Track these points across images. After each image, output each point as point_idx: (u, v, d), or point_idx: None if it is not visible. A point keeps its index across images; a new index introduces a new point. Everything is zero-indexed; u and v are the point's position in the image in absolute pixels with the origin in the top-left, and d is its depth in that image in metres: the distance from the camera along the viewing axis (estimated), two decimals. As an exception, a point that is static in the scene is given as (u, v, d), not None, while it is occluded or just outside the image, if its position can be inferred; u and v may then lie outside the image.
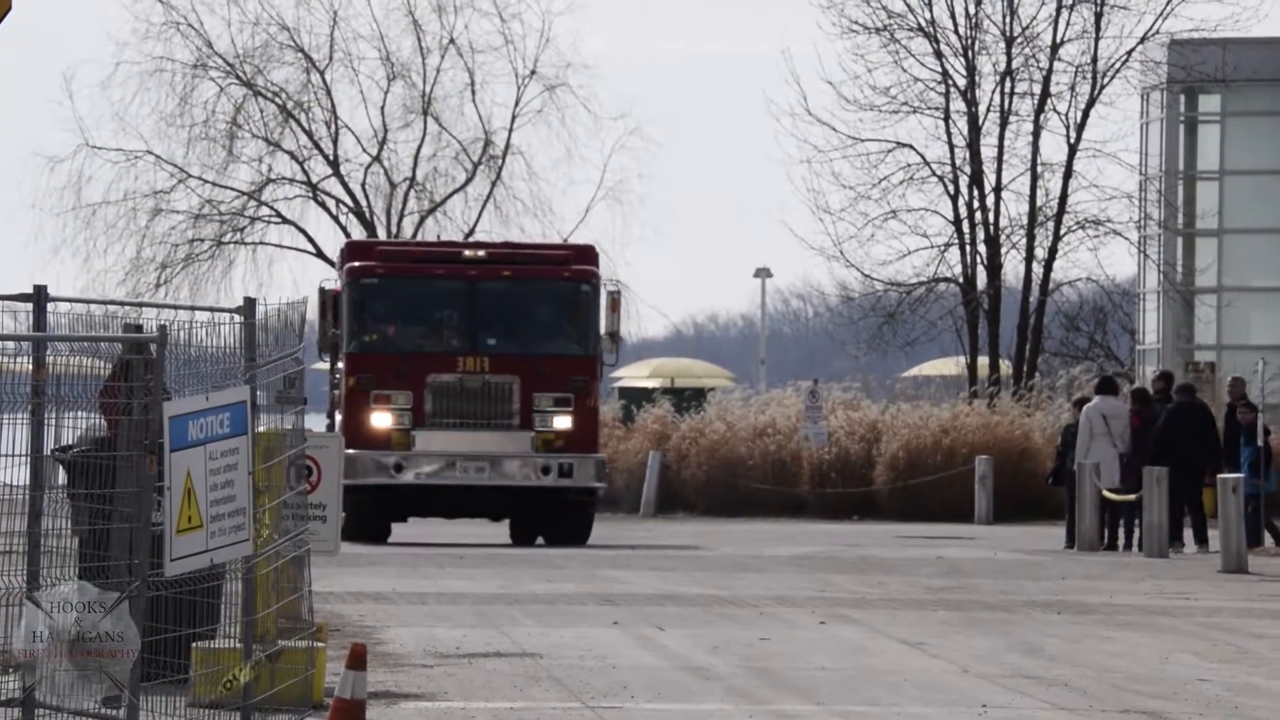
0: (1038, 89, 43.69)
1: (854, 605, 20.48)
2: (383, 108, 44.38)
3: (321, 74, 44.12)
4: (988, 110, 43.40)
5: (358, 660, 10.60)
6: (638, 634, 17.89)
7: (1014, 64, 43.59)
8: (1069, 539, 28.83)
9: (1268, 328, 44.43)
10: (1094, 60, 43.52)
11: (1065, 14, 41.21)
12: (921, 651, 17.01)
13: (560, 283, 29.23)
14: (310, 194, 43.32)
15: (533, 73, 45.35)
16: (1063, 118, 43.50)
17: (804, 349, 57.77)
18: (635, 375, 51.53)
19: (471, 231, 45.07)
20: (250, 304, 11.72)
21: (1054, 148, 44.21)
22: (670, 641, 17.70)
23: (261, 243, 43.91)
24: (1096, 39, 43.40)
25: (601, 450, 30.23)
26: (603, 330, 29.40)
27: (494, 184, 44.04)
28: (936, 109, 43.14)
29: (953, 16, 40.67)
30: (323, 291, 30.29)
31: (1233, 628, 19.17)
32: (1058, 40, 43.59)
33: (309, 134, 43.45)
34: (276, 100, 43.71)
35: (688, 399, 42.74)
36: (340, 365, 29.51)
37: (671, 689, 14.87)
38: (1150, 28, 42.74)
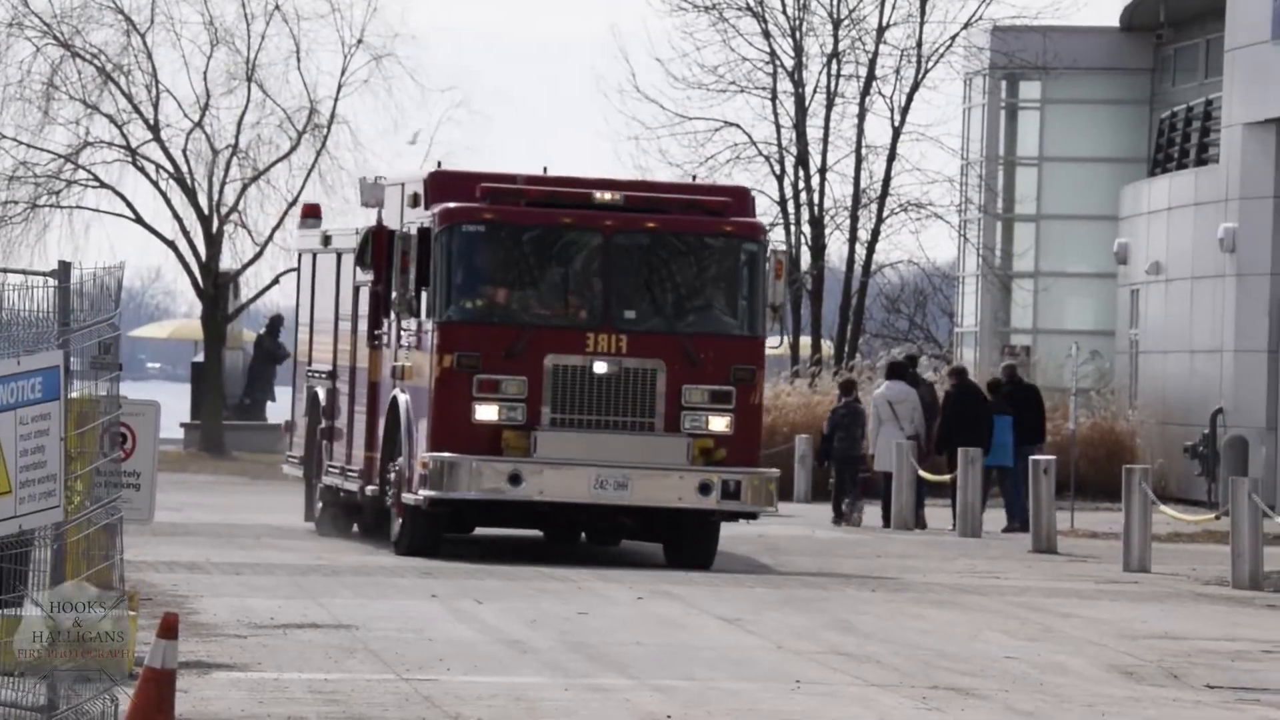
0: (864, 72, 43.68)
1: (673, 582, 20.61)
2: (205, 73, 43.22)
3: (142, 36, 42.92)
4: (814, 92, 43.48)
5: (169, 629, 10.55)
6: (455, 607, 17.82)
7: (840, 46, 43.64)
8: (838, 515, 28.83)
9: (1082, 313, 44.96)
10: (919, 45, 43.71)
11: None
12: (738, 628, 17.08)
13: (720, 238, 21.80)
14: (129, 158, 41.95)
15: (359, 42, 44.99)
16: (888, 101, 43.74)
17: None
18: None
19: (295, 201, 43.31)
20: (65, 268, 11.35)
21: (879, 131, 44.45)
22: (488, 615, 17.68)
23: (78, 207, 43.76)
24: (921, 24, 43.62)
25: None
26: (769, 301, 22.11)
27: (319, 153, 43.08)
28: (764, 89, 43.24)
29: None
30: (392, 234, 22.30)
31: (1040, 606, 19.30)
32: (884, 24, 43.66)
33: (129, 97, 42.36)
34: (95, 62, 42.51)
35: None
36: (415, 333, 21.99)
37: (488, 661, 14.91)
38: (974, 14, 43.01)
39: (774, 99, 43.38)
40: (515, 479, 21.18)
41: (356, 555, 22.60)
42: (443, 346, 21.53)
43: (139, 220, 42.39)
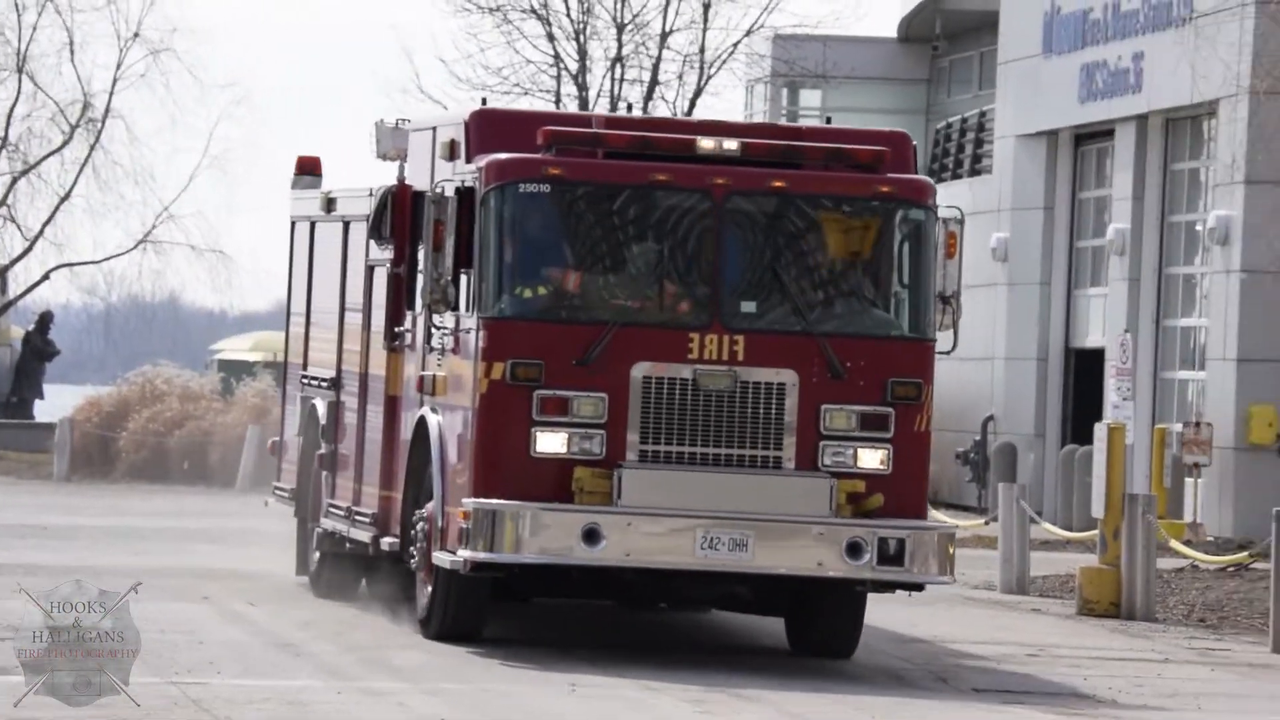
0: (647, 76, 43.93)
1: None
2: (-29, 64, 44.88)
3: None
4: (598, 95, 43.46)
5: None
6: (228, 609, 16.99)
7: (624, 51, 43.06)
8: None
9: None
10: (702, 51, 43.29)
11: (675, 4, 41.39)
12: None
13: (875, 202, 15.30)
14: None
15: (136, 35, 41.48)
16: (671, 106, 44.00)
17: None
18: (237, 348, 48.37)
19: (67, 195, 41.33)
20: None
21: (662, 135, 45.11)
22: (261, 618, 16.66)
23: None
24: (704, 30, 43.64)
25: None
26: (938, 288, 15.37)
27: (93, 148, 41.85)
28: (548, 91, 42.70)
29: (565, 1, 40.29)
30: (419, 196, 15.78)
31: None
32: (667, 29, 43.10)
33: None
34: None
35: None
36: (453, 331, 15.41)
37: (260, 665, 14.21)
38: (755, 21, 42.57)
39: (557, 102, 42.89)
40: (592, 535, 14.78)
41: (125, 556, 20.36)
42: (491, 352, 15.04)
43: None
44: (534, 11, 40.77)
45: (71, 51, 43.64)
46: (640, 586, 15.59)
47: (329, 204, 18.78)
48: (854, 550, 15.02)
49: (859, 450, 15.27)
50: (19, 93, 43.12)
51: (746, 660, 15.32)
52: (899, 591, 15.15)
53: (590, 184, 15.22)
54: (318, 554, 18.29)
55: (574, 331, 15.13)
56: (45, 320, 44.34)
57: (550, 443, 15.05)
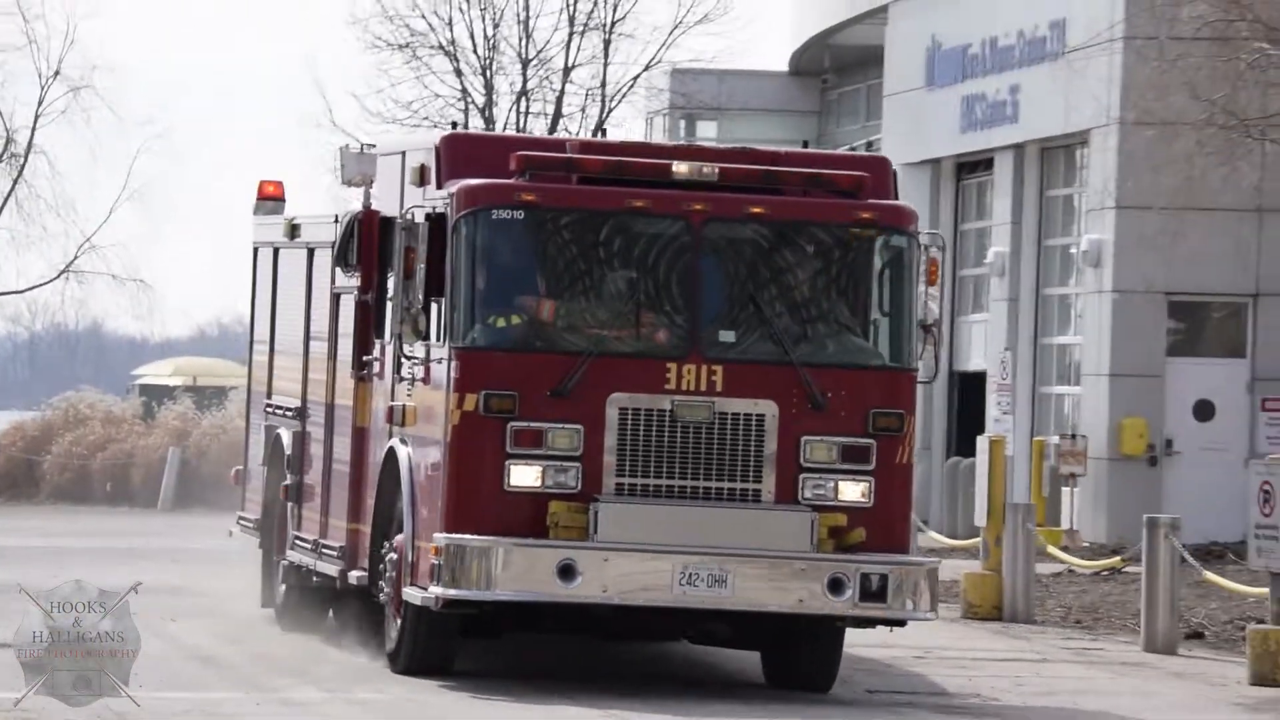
0: (551, 109, 45.30)
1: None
2: (-104, 100, 45.40)
3: None
4: (504, 127, 45.09)
5: None
6: (149, 624, 15.31)
7: (529, 85, 44.55)
8: None
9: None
10: (603, 85, 44.39)
11: (576, 40, 40.80)
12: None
13: (855, 228, 14.88)
14: None
15: (57, 73, 41.96)
16: (574, 136, 45.88)
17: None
18: (158, 373, 49.23)
19: None
20: None
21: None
22: (182, 632, 16.70)
23: None
24: (605, 65, 45.15)
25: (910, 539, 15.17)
26: (918, 317, 14.91)
27: (15, 181, 42.70)
28: (456, 124, 45.15)
29: (472, 38, 41.14)
30: (387, 223, 15.17)
31: None
32: (570, 64, 44.65)
33: None
34: None
35: (209, 396, 41.90)
36: (424, 361, 14.90)
37: (181, 678, 14.15)
38: (653, 57, 43.52)
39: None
40: (568, 572, 14.33)
41: (47, 570, 19.71)
42: (463, 382, 14.54)
43: None
44: (442, 48, 42.16)
45: (-8, 89, 44.71)
46: (616, 622, 14.85)
47: (293, 230, 18.13)
48: (835, 586, 14.39)
49: (840, 483, 14.68)
50: (-58, 129, 44.16)
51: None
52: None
53: (565, 210, 14.58)
54: (284, 587, 17.49)
55: (548, 361, 14.50)
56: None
57: (524, 476, 14.43)
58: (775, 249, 14.68)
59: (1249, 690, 15.96)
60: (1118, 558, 21.90)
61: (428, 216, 14.58)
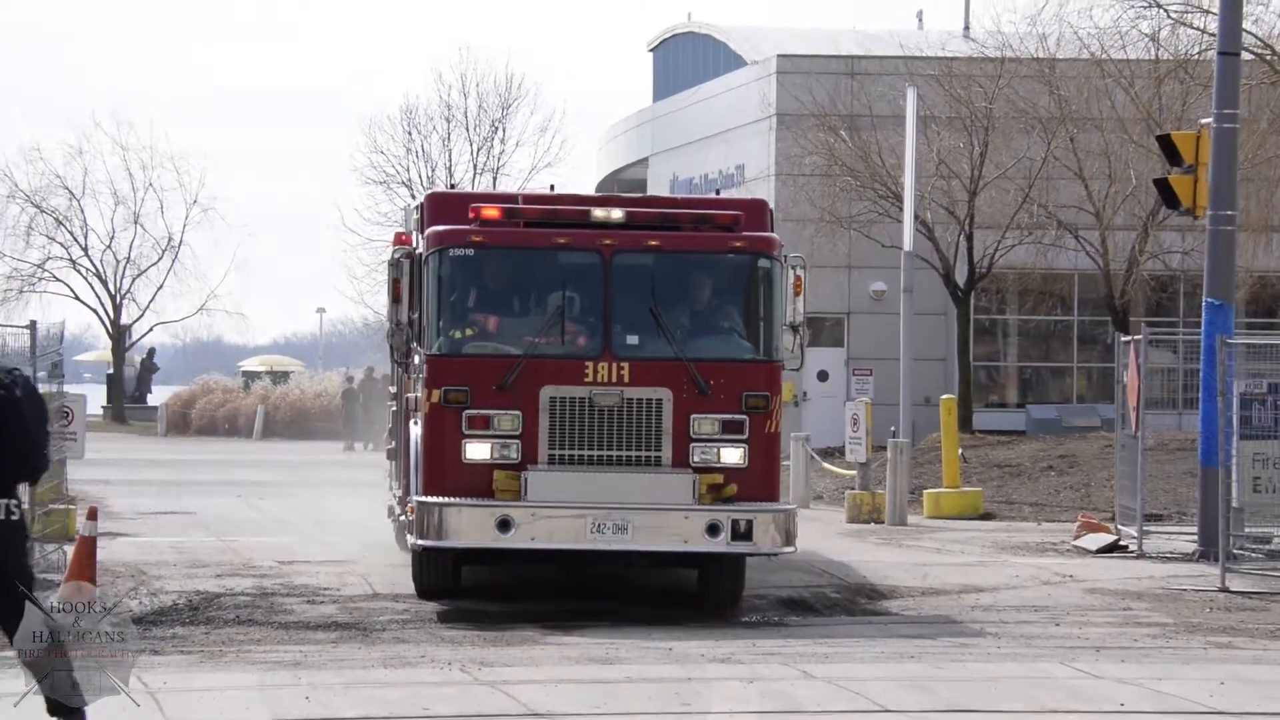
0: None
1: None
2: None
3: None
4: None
5: (92, 515, 14.07)
6: (250, 503, 31.60)
7: None
8: None
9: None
10: None
11: (478, 178, 61.66)
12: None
13: (730, 256, 18.62)
14: (70, 265, 66.89)
15: (195, 200, 68.81)
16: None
17: (349, 349, 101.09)
18: (251, 365, 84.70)
19: (160, 287, 67.13)
20: (33, 324, 21.44)
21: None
22: (269, 506, 30.49)
23: (46, 291, 68.23)
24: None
25: (782, 495, 18.73)
26: (786, 320, 18.73)
27: (174, 260, 69.90)
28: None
29: (420, 176, 61.79)
30: (396, 264, 18.93)
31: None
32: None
33: (72, 235, 67.09)
34: (54, 215, 66.71)
35: (279, 378, 71.83)
36: (419, 365, 18.81)
37: (269, 528, 26.70)
38: (520, 186, 58.71)
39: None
40: (505, 525, 17.85)
41: (201, 473, 38.87)
42: (431, 380, 18.26)
43: (76, 298, 67.81)
44: (403, 183, 62.63)
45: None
46: (545, 561, 18.61)
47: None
48: (713, 530, 17.90)
49: (721, 449, 18.21)
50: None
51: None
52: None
53: (505, 248, 18.36)
54: (392, 521, 22.46)
55: (494, 363, 18.17)
56: (151, 353, 73.34)
57: (477, 451, 18.10)
58: (669, 272, 18.43)
59: (846, 525, 28.60)
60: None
61: (409, 255, 18.47)
